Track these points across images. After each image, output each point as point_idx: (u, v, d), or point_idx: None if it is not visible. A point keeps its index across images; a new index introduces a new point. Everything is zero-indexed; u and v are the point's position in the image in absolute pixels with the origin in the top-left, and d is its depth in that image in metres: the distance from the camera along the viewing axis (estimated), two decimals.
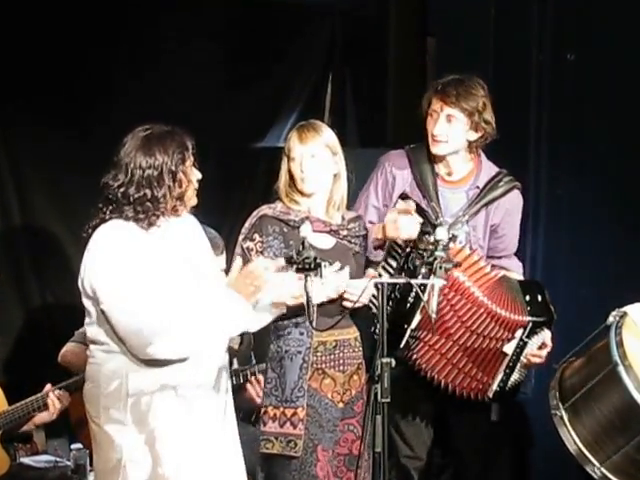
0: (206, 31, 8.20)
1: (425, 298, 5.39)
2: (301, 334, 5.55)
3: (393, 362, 4.94)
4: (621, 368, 5.15)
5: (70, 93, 7.82)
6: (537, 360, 5.73)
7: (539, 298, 5.69)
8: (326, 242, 5.61)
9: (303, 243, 5.14)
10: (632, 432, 5.18)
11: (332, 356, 5.65)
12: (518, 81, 7.41)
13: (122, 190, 4.84)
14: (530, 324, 5.63)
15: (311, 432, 5.55)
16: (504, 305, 5.67)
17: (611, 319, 5.36)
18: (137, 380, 4.86)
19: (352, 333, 5.74)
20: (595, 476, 5.30)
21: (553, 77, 7.72)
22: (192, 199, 5.01)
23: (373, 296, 5.24)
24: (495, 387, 5.75)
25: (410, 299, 5.55)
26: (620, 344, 5.23)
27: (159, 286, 4.80)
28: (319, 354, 5.60)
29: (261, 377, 5.71)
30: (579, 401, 5.36)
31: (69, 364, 6.15)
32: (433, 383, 5.80)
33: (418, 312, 5.55)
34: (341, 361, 5.68)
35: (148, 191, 4.83)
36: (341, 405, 5.65)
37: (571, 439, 5.33)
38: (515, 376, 5.78)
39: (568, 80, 7.61)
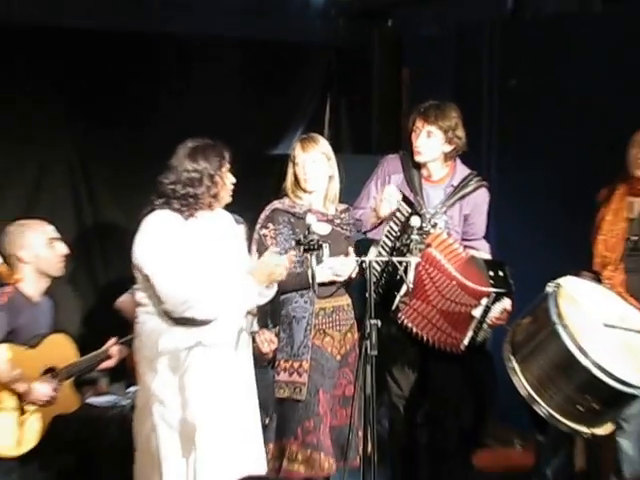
0: (232, 65, 8.15)
1: (407, 274, 5.37)
2: (305, 302, 5.51)
3: (379, 323, 4.92)
4: (559, 327, 5.11)
5: (129, 115, 7.76)
6: (499, 322, 5.67)
7: (500, 274, 5.63)
8: (324, 229, 5.55)
9: (308, 229, 5.21)
10: (570, 377, 5.13)
11: (330, 319, 5.61)
12: (473, 102, 7.47)
13: (171, 187, 4.92)
14: (494, 293, 5.57)
15: (314, 379, 5.50)
16: (472, 278, 5.60)
17: (548, 289, 5.32)
18: (170, 337, 4.88)
19: (345, 300, 5.69)
20: (542, 414, 5.26)
21: (500, 98, 7.79)
22: (226, 198, 5.07)
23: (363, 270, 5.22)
24: (466, 342, 5.68)
25: (398, 273, 5.49)
26: (557, 308, 5.19)
27: (190, 262, 4.85)
28: (320, 317, 5.57)
29: (271, 336, 5.58)
30: (527, 354, 5.33)
31: (122, 309, 6.18)
32: (416, 338, 5.76)
33: (404, 283, 5.49)
34: (337, 322, 5.64)
35: (191, 189, 4.92)
36: (339, 357, 5.61)
37: (522, 385, 5.28)
38: (482, 334, 5.72)
39: (511, 99, 7.71)
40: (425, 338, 5.74)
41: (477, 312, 5.59)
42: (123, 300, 6.13)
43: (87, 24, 7.51)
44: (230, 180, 5.03)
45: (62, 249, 5.91)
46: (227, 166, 5.01)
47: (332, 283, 5.55)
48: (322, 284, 5.37)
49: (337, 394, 5.62)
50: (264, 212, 5.65)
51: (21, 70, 7.47)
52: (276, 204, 5.64)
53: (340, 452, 5.53)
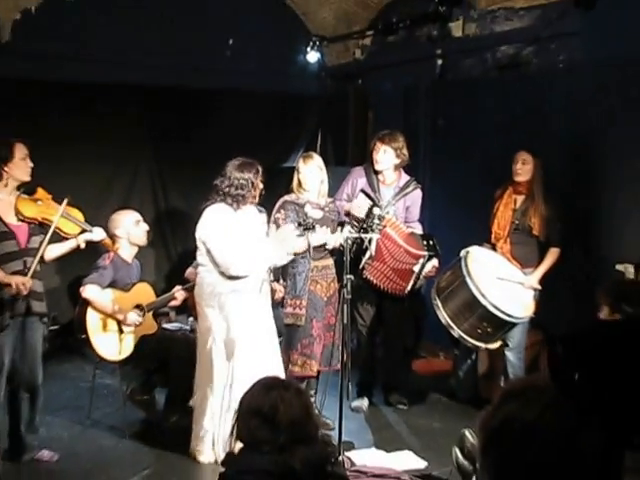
0: (254, 109, 8.05)
1: (371, 245, 5.59)
2: (304, 261, 5.56)
3: (352, 277, 5.00)
4: (467, 278, 5.26)
5: (190, 139, 7.78)
6: (431, 274, 5.75)
7: (431, 242, 5.69)
8: (318, 214, 5.61)
9: (306, 214, 5.40)
10: (473, 311, 5.26)
11: (320, 273, 5.67)
12: (414, 133, 7.28)
13: (226, 189, 4.98)
14: (427, 256, 5.63)
15: (309, 312, 5.59)
16: (413, 246, 5.66)
17: (462, 253, 5.44)
18: (221, 286, 4.97)
19: (330, 262, 5.76)
20: (455, 335, 5.39)
21: (431, 131, 7.70)
22: (256, 198, 5.11)
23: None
24: (409, 288, 5.74)
25: (364, 244, 5.60)
26: (466, 266, 5.30)
27: (236, 239, 4.93)
28: (314, 272, 5.63)
29: (281, 286, 5.71)
30: (446, 296, 5.43)
31: (187, 277, 6.02)
32: (375, 287, 5.83)
33: (368, 251, 5.63)
34: (325, 275, 5.70)
35: (240, 191, 4.98)
36: (325, 299, 5.68)
37: (443, 316, 5.40)
38: (419, 283, 5.82)
39: (439, 132, 7.60)
40: (381, 287, 5.78)
41: (416, 268, 5.64)
42: (189, 271, 6.03)
43: (165, 82, 7.61)
44: (260, 186, 5.08)
45: (144, 227, 5.91)
46: (260, 177, 5.06)
47: (322, 250, 5.61)
48: (315, 247, 5.46)
49: (325, 323, 5.65)
50: (277, 203, 5.68)
51: (125, 113, 7.65)
52: (285, 197, 5.69)
53: (327, 360, 5.59)
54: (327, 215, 5.71)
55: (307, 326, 5.58)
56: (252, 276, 5.02)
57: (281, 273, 5.66)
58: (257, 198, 5.12)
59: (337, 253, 5.69)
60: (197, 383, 5.11)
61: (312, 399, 5.48)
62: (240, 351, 4.95)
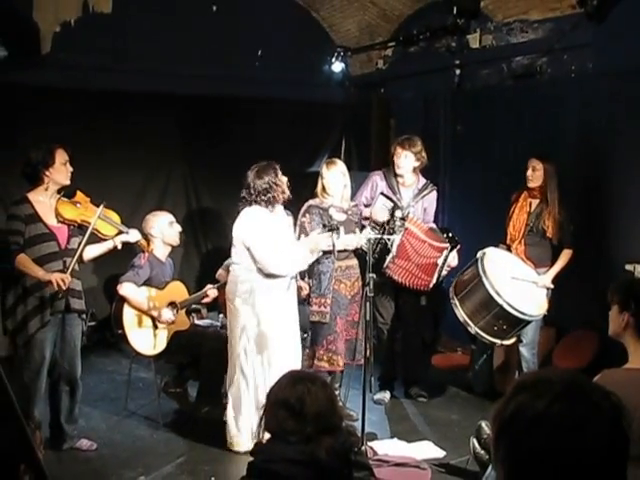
0: (283, 117, 8.14)
1: (393, 246, 5.58)
2: (329, 262, 5.56)
3: (375, 276, 5.00)
4: (484, 278, 5.26)
5: (222, 144, 7.81)
6: (453, 264, 5.77)
7: (450, 234, 5.73)
8: (341, 217, 5.61)
9: (331, 217, 5.39)
10: (489, 309, 5.25)
11: (344, 273, 5.67)
12: (434, 140, 7.32)
13: (254, 198, 5.00)
14: (449, 247, 5.66)
15: (334, 309, 5.59)
16: (435, 239, 5.70)
17: (479, 254, 5.43)
18: (257, 283, 5.01)
19: (353, 262, 5.75)
20: (472, 332, 5.40)
21: (450, 138, 7.72)
22: (285, 193, 5.08)
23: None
24: (434, 281, 5.75)
25: (388, 245, 5.60)
26: (482, 266, 5.30)
27: (275, 239, 4.97)
28: (338, 272, 5.64)
29: (306, 284, 5.70)
30: (463, 295, 5.42)
31: (218, 277, 6.05)
32: (398, 284, 5.80)
33: (391, 252, 5.62)
34: (348, 275, 5.70)
35: (267, 194, 4.99)
36: (349, 297, 5.68)
37: (460, 314, 5.39)
38: (443, 274, 5.80)
39: (457, 138, 7.63)
40: (406, 284, 5.75)
41: (440, 260, 5.66)
42: (219, 272, 6.06)
43: (197, 91, 7.68)
44: (284, 180, 5.04)
45: (178, 228, 5.94)
46: (280, 173, 5.03)
47: (345, 250, 5.60)
48: (339, 251, 5.41)
49: (348, 320, 5.65)
50: (303, 208, 5.69)
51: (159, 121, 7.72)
52: (310, 202, 5.69)
53: (351, 355, 5.61)
54: (350, 218, 5.72)
55: (332, 323, 5.58)
56: (283, 276, 5.05)
57: (307, 272, 5.63)
58: (286, 193, 5.08)
59: (361, 254, 5.67)
60: (230, 376, 5.12)
61: (337, 392, 5.47)
62: (272, 345, 4.98)
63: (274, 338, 4.99)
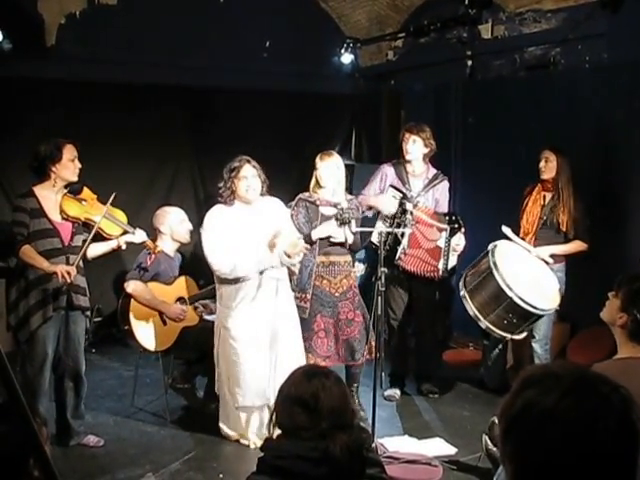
0: (293, 109, 8.16)
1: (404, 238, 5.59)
2: (311, 255, 5.42)
3: (386, 270, 5.01)
4: (494, 271, 5.21)
5: (233, 140, 7.42)
6: (458, 249, 5.74)
7: (453, 217, 5.72)
8: (330, 211, 5.47)
9: (342, 209, 5.30)
10: (499, 302, 5.21)
11: (327, 269, 5.49)
12: (445, 131, 7.34)
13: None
14: (448, 228, 5.67)
15: (314, 306, 5.45)
16: (440, 222, 5.71)
17: (490, 247, 5.39)
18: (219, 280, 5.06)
19: (343, 258, 5.55)
20: (482, 326, 5.37)
21: (462, 129, 7.72)
22: (232, 195, 5.05)
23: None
24: (440, 266, 5.72)
25: (398, 237, 5.62)
26: (493, 259, 5.26)
27: (220, 236, 5.02)
28: (320, 267, 5.48)
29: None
30: (473, 288, 5.38)
31: None
32: (410, 273, 5.79)
33: (402, 244, 5.64)
34: (332, 272, 5.50)
35: (222, 189, 5.06)
36: (337, 294, 5.50)
37: (470, 307, 5.35)
38: (452, 260, 5.76)
39: (468, 130, 7.63)
40: (417, 272, 5.74)
41: (440, 242, 5.68)
42: None
43: (204, 84, 7.73)
44: (243, 179, 4.99)
45: (188, 226, 5.97)
46: (243, 170, 4.99)
47: (333, 244, 5.44)
48: (331, 244, 5.40)
49: (342, 318, 5.48)
50: (294, 200, 5.60)
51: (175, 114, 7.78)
52: (300, 195, 5.55)
53: (349, 354, 5.51)
54: (347, 212, 5.44)
55: (310, 320, 5.44)
56: (245, 275, 4.99)
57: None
58: (234, 194, 5.03)
59: (368, 249, 5.66)
60: (218, 372, 5.22)
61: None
62: (241, 344, 5.03)
63: (245, 338, 5.02)
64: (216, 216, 5.04)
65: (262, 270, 5.03)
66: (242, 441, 5.18)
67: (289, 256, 5.02)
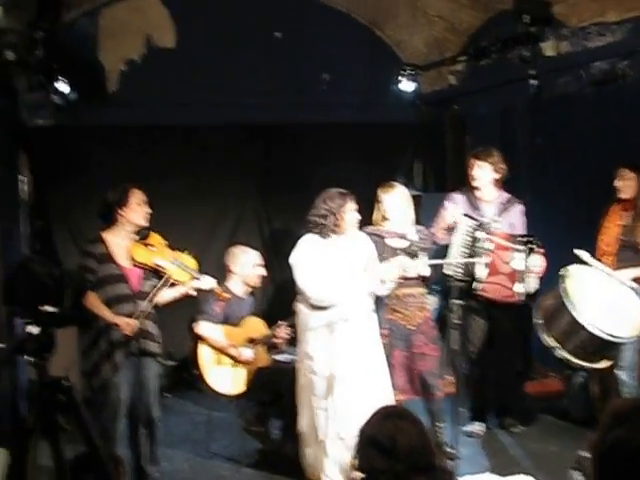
0: (357, 140, 8.14)
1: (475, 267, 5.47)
2: (386, 289, 5.27)
3: (460, 302, 4.99)
4: (565, 299, 4.99)
5: (294, 177, 7.78)
6: (537, 270, 5.54)
7: (525, 239, 5.55)
8: (401, 244, 5.41)
9: (412, 241, 5.31)
10: (573, 330, 5.00)
11: (400, 301, 5.40)
12: (512, 154, 7.16)
13: (312, 219, 4.99)
14: (526, 249, 5.49)
15: (392, 341, 5.34)
16: (514, 243, 5.53)
17: (561, 272, 5.16)
18: (312, 318, 4.95)
19: (416, 290, 5.46)
20: (559, 356, 5.13)
21: (530, 150, 7.65)
22: (340, 227, 4.98)
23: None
24: (516, 289, 5.54)
25: (475, 268, 5.49)
26: (564, 285, 5.06)
27: (322, 267, 4.92)
28: (394, 300, 5.39)
29: None
30: (548, 316, 5.18)
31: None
32: (489, 301, 5.66)
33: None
34: (406, 304, 5.41)
35: (323, 220, 4.94)
36: (412, 327, 5.41)
37: (544, 337, 5.14)
38: (531, 283, 5.58)
39: (537, 151, 7.57)
40: (499, 298, 5.58)
41: (513, 264, 5.48)
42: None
43: (264, 120, 7.77)
44: (349, 212, 4.93)
45: (261, 271, 5.93)
46: (349, 203, 4.93)
47: (408, 278, 5.32)
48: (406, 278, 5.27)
49: (416, 352, 5.39)
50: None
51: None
52: (364, 229, 5.36)
53: (424, 388, 5.41)
54: (416, 244, 5.45)
55: (387, 355, 5.29)
56: (344, 307, 4.90)
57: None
58: (341, 226, 4.95)
59: (441, 280, 5.57)
60: (300, 411, 5.06)
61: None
62: (336, 383, 4.88)
63: (340, 377, 4.88)
64: (312, 246, 4.96)
65: (358, 297, 4.97)
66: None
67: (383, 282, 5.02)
